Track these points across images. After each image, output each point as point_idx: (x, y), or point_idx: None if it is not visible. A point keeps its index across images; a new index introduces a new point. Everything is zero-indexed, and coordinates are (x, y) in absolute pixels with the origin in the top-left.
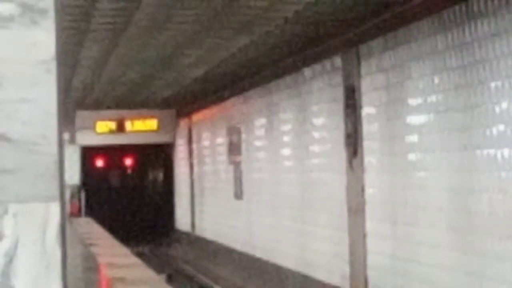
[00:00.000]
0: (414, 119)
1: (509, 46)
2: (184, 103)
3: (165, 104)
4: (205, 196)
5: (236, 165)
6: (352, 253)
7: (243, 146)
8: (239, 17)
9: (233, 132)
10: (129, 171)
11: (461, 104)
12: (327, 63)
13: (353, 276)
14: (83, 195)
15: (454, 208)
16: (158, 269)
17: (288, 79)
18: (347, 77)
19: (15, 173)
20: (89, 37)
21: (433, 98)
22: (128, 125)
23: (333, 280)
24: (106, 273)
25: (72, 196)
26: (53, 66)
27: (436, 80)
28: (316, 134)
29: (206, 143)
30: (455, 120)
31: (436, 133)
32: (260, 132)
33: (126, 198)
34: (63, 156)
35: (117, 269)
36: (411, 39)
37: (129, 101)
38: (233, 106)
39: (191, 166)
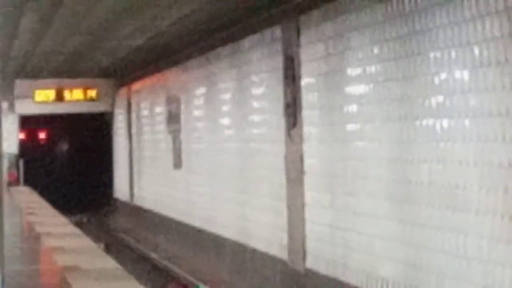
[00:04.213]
0: (354, 90)
1: (449, 16)
2: (124, 72)
3: (104, 73)
4: (144, 165)
5: (175, 135)
6: (290, 223)
7: (182, 116)
8: None
9: (172, 101)
10: (67, 140)
11: (401, 74)
12: (267, 33)
13: (291, 246)
14: (21, 164)
15: (394, 179)
16: (96, 239)
17: (227, 48)
18: (286, 47)
19: None
20: (28, 6)
21: (372, 69)
22: (67, 94)
23: (272, 250)
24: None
25: (10, 165)
26: None
27: (376, 51)
28: (255, 104)
29: (145, 112)
30: (394, 91)
31: (376, 104)
32: (200, 101)
33: (65, 167)
34: (1, 124)
35: (55, 238)
36: (351, 9)
37: (69, 70)
38: (173, 76)
39: (130, 135)
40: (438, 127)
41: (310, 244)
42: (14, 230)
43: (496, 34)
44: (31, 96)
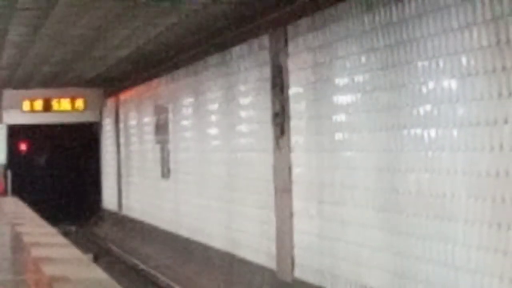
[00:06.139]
0: (341, 99)
1: (436, 26)
2: (112, 82)
3: (92, 83)
4: (132, 175)
5: (163, 145)
6: (279, 232)
7: (170, 126)
8: None
9: (160, 111)
10: (55, 150)
11: (388, 84)
12: (255, 43)
13: (279, 256)
14: (9, 174)
15: (381, 188)
16: (85, 249)
17: (215, 58)
18: (274, 56)
19: None
20: (16, 16)
21: (360, 78)
22: (55, 104)
23: (260, 260)
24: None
25: None
26: None
27: (363, 60)
28: (243, 114)
29: (133, 122)
30: (382, 100)
31: (363, 113)
32: (187, 111)
33: (53, 177)
34: None
35: (43, 248)
36: (339, 19)
37: (57, 80)
38: (160, 85)
39: (118, 145)
40: (426, 136)
41: (298, 254)
42: (1, 240)
43: (484, 43)
44: (19, 106)
